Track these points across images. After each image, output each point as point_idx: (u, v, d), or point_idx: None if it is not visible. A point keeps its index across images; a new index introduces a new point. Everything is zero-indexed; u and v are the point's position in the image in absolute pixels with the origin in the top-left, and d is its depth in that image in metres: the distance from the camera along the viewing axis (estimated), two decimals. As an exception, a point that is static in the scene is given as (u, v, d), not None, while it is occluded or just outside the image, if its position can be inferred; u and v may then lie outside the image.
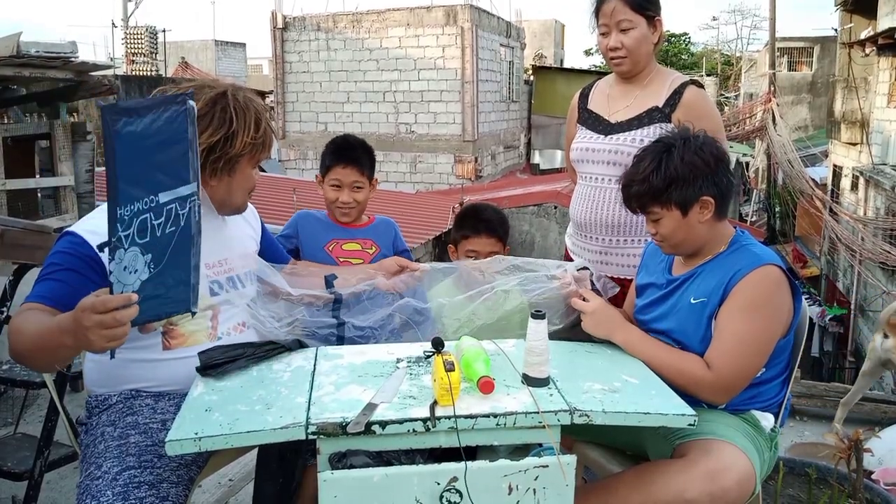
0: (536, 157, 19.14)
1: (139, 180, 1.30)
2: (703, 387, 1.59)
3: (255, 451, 2.40)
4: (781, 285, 1.62)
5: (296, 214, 2.34)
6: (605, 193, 2.16)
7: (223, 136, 1.58)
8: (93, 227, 1.53)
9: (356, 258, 2.25)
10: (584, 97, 2.32)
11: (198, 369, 1.52)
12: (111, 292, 1.27)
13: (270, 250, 1.96)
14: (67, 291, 1.45)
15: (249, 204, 1.90)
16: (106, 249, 1.38)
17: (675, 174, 1.62)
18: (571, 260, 2.34)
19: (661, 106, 2.11)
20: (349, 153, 2.24)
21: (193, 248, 1.26)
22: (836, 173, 13.81)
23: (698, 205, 1.64)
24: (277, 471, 1.62)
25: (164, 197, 1.28)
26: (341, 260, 2.23)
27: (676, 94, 2.11)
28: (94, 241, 1.50)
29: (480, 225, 2.28)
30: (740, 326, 1.58)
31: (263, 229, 1.95)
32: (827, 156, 15.04)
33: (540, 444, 1.45)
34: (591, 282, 1.88)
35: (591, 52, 37.01)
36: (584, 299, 1.75)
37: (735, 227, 1.77)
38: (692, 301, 1.68)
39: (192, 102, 1.29)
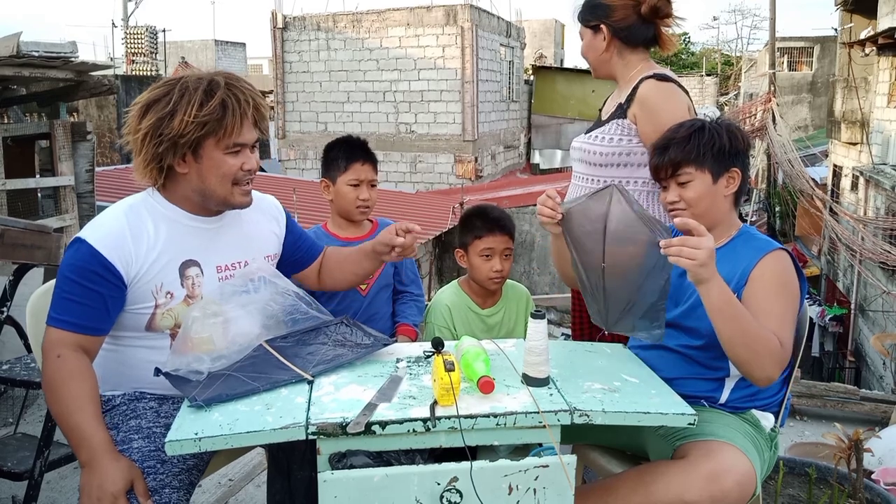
0: (536, 157, 19.13)
1: None
2: (778, 358, 1.52)
3: (254, 452, 2.40)
4: (794, 270, 1.66)
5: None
6: (578, 191, 2.18)
7: (160, 116, 1.50)
8: (101, 233, 1.53)
9: None
10: (604, 103, 2.36)
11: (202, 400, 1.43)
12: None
13: (299, 243, 1.87)
14: (94, 315, 1.50)
15: (273, 199, 1.86)
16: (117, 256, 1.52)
17: (717, 139, 1.69)
18: None
19: (623, 102, 2.11)
20: (365, 151, 2.25)
21: None
22: (836, 173, 13.81)
23: (728, 175, 1.70)
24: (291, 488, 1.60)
25: None
26: None
27: (635, 90, 2.08)
28: (104, 249, 1.50)
29: (493, 223, 2.26)
30: (777, 303, 1.59)
31: (290, 224, 1.87)
32: (827, 156, 15.04)
33: (540, 444, 1.45)
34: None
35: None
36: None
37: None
38: None
39: None
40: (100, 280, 1.49)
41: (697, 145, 1.68)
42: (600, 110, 2.31)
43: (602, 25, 2.10)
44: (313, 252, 1.93)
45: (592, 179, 2.14)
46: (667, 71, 2.13)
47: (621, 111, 2.10)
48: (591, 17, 2.12)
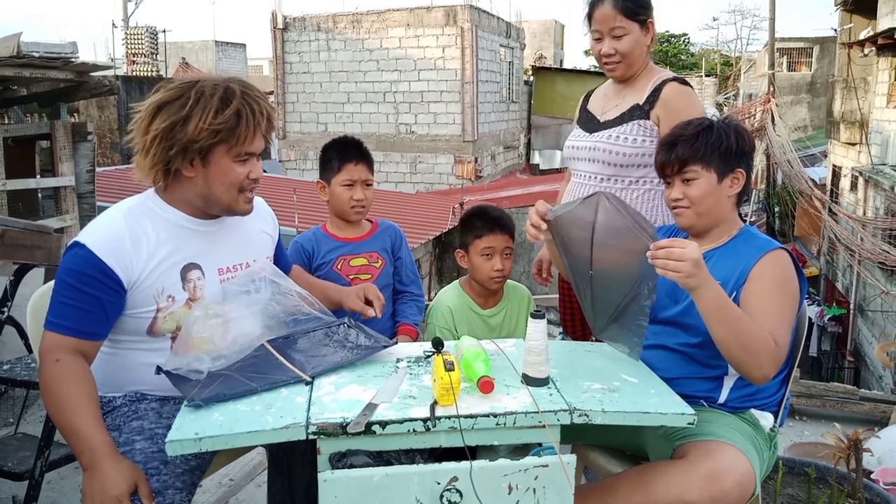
0: (536, 158, 19.15)
1: None
2: (774, 357, 1.53)
3: (255, 452, 2.41)
4: (793, 269, 1.67)
5: (299, 238, 2.30)
6: (587, 190, 2.17)
7: (174, 120, 1.49)
8: (99, 237, 1.52)
9: (364, 273, 2.26)
10: (587, 98, 2.35)
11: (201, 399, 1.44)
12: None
13: (278, 257, 1.90)
14: (91, 319, 1.49)
15: (268, 207, 1.86)
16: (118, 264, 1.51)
17: (724, 138, 1.70)
18: None
19: (641, 104, 2.12)
20: (359, 150, 2.26)
21: None
22: (836, 173, 13.81)
23: (733, 175, 1.71)
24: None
25: None
26: (351, 277, 2.23)
27: (656, 91, 2.10)
28: (103, 253, 1.49)
29: (493, 222, 2.27)
30: (775, 302, 1.60)
31: (279, 234, 1.89)
32: (826, 156, 15.04)
33: (540, 444, 1.45)
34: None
35: (591, 52, 37.00)
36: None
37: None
38: None
39: None
40: (98, 285, 1.48)
41: (705, 144, 1.69)
42: (587, 109, 2.29)
43: (651, 21, 2.11)
44: (284, 269, 1.91)
45: (611, 179, 2.13)
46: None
47: (642, 112, 2.10)
48: (642, 10, 2.09)
